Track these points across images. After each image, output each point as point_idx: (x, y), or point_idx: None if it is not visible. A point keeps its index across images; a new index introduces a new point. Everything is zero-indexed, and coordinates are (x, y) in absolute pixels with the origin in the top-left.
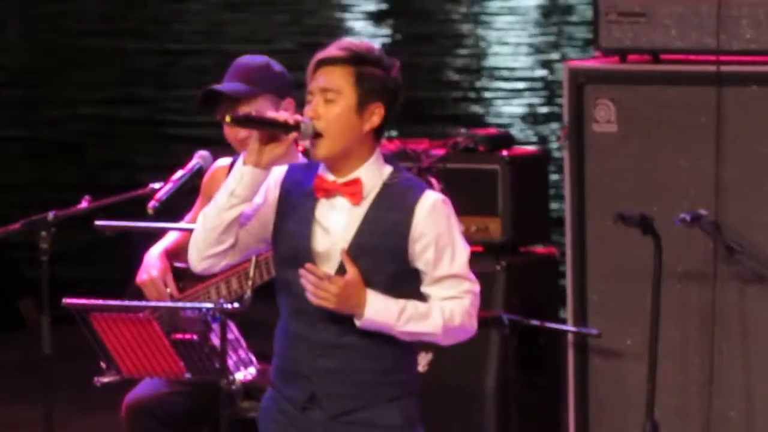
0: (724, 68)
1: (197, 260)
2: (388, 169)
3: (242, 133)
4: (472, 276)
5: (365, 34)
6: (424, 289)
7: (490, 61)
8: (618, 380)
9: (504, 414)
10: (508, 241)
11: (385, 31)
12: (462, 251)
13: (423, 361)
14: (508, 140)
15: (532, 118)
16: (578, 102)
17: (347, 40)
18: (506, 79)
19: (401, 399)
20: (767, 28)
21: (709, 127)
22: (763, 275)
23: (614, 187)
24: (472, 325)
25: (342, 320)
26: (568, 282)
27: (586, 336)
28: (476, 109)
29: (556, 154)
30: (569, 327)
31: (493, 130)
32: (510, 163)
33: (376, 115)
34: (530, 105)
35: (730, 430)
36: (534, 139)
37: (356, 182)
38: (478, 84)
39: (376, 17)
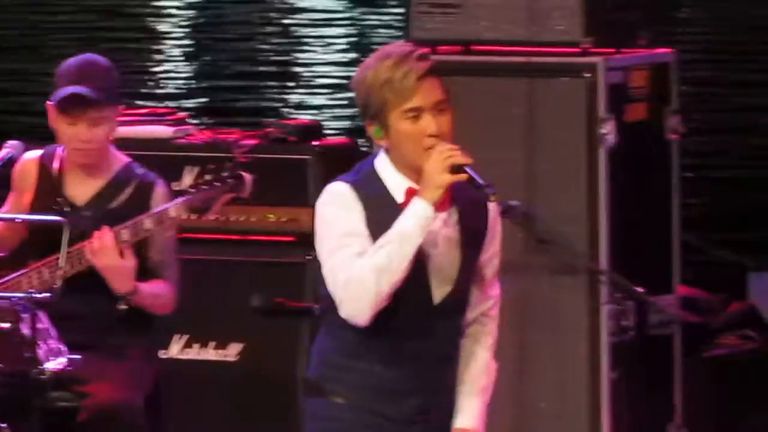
0: (535, 59)
1: (371, 317)
2: None
3: (85, 134)
4: None
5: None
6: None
7: (302, 56)
8: None
9: None
10: None
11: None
12: None
13: (233, 350)
14: (318, 131)
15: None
16: None
17: (405, 46)
18: (318, 74)
19: None
20: (578, 19)
21: (521, 119)
22: (574, 267)
23: None
24: None
25: (446, 332)
26: None
27: None
28: (287, 99)
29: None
30: None
31: (303, 121)
32: (320, 154)
33: None
34: (342, 98)
35: (541, 421)
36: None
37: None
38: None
39: None
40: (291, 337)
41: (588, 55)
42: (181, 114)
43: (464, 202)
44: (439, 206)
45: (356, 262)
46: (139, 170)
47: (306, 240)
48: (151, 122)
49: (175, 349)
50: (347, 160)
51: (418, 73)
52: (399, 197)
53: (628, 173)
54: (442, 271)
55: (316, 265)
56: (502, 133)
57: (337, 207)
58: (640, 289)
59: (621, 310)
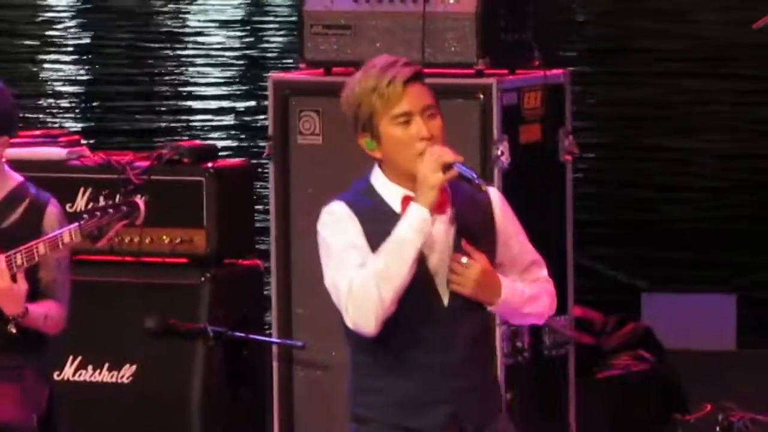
0: (429, 81)
1: (378, 325)
2: None
3: None
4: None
5: None
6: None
7: (195, 73)
8: (322, 391)
9: (209, 425)
10: (212, 253)
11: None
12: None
13: (128, 372)
14: (212, 152)
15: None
16: (283, 114)
17: (390, 56)
18: (211, 94)
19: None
20: (472, 41)
21: None
22: None
23: (319, 199)
24: None
25: (465, 335)
26: (273, 294)
27: (291, 348)
28: (181, 121)
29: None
30: (274, 339)
31: (197, 142)
32: (214, 175)
33: None
34: (237, 117)
35: None
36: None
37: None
38: (184, 95)
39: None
40: (185, 359)
41: (482, 76)
42: (75, 135)
43: (462, 200)
44: (436, 209)
45: (358, 271)
46: (33, 190)
47: (201, 261)
48: (45, 144)
49: (70, 371)
50: (242, 181)
51: (403, 78)
52: (396, 207)
53: (523, 194)
54: (446, 272)
55: (209, 286)
56: None
57: (333, 226)
58: None
59: (515, 332)
